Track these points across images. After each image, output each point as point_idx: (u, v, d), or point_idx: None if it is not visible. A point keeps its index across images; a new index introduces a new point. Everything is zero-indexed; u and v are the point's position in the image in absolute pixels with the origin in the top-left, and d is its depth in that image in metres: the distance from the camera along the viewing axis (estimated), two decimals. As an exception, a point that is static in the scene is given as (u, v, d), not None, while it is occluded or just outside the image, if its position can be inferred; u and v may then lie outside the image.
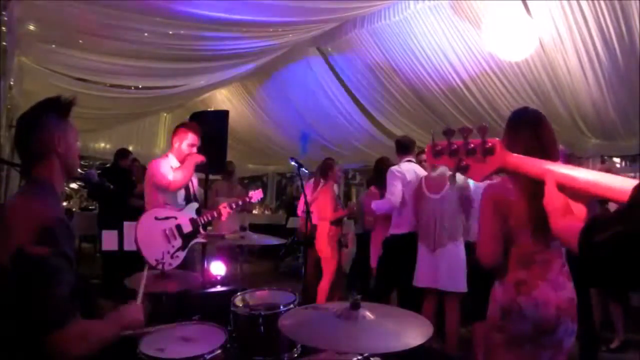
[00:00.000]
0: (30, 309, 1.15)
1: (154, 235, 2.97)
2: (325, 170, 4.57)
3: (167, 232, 3.01)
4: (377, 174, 4.31)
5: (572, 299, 1.68)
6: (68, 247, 1.23)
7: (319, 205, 4.42)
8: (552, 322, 1.63)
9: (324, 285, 4.31)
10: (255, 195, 3.59)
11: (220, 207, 3.30)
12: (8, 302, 1.16)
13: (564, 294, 1.66)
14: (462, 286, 3.28)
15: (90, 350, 1.21)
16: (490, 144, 1.05)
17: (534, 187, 1.63)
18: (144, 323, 1.48)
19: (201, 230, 3.15)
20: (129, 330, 1.41)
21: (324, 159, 4.76)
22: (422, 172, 3.76)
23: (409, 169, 3.77)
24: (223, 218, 3.30)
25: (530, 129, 1.71)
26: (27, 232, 1.17)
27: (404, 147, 3.93)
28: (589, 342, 3.31)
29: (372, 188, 4.48)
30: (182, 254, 3.05)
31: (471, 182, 3.51)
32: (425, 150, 1.16)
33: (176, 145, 3.13)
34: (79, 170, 1.52)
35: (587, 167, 5.02)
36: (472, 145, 1.06)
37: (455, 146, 1.08)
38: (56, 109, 1.39)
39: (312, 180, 4.78)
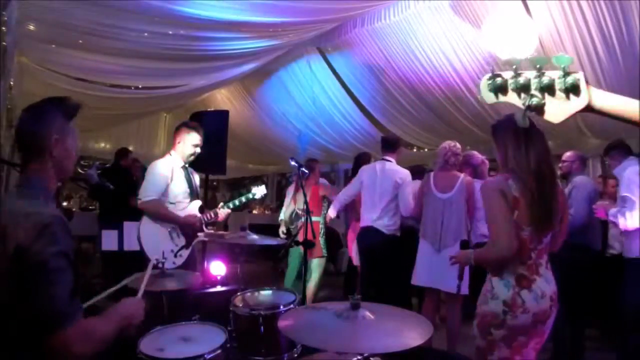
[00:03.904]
0: (33, 310, 1.14)
1: (157, 234, 2.97)
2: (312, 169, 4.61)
3: (170, 231, 3.01)
4: (356, 168, 4.46)
5: (556, 291, 1.82)
6: (67, 246, 1.22)
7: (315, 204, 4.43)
8: (547, 313, 1.76)
9: (312, 287, 4.34)
10: (259, 191, 3.58)
11: (218, 208, 3.28)
12: (8, 302, 1.15)
13: (553, 287, 1.81)
14: (464, 288, 3.25)
15: (94, 349, 1.20)
16: (572, 78, 0.79)
17: (538, 185, 1.72)
18: (143, 317, 1.44)
19: (204, 229, 3.15)
20: (128, 325, 1.37)
21: (308, 160, 4.77)
22: (386, 171, 3.89)
23: (370, 168, 4.03)
24: (220, 219, 3.29)
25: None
26: (25, 231, 1.15)
27: (384, 145, 4.11)
28: (578, 330, 3.45)
29: None
30: (186, 253, 3.06)
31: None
32: (480, 84, 0.89)
33: (180, 144, 3.12)
34: (79, 170, 1.49)
35: (587, 167, 5.03)
36: (549, 79, 0.80)
37: (524, 79, 0.82)
38: (61, 109, 1.37)
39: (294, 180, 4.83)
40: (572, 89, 0.79)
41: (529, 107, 0.83)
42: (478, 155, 3.93)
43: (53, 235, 1.18)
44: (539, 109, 0.81)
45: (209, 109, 6.98)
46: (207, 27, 4.42)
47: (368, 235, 3.92)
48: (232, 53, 5.30)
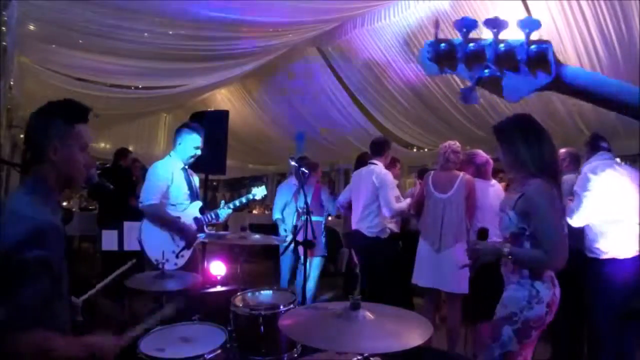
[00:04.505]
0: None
1: (159, 235, 2.97)
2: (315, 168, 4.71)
3: (172, 232, 3.01)
4: (357, 168, 4.47)
5: None
6: (55, 254, 1.21)
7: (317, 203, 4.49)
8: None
9: (311, 286, 4.35)
10: (259, 192, 3.58)
11: (218, 209, 3.28)
12: None
13: None
14: (464, 287, 3.25)
15: None
16: (538, 47, 0.61)
17: (556, 185, 1.74)
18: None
19: (205, 229, 3.15)
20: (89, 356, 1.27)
21: (303, 159, 4.81)
22: (368, 173, 3.93)
23: (357, 172, 4.16)
24: (220, 220, 3.30)
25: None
26: (17, 233, 1.15)
27: (371, 149, 4.18)
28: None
29: None
30: (187, 253, 3.06)
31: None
32: (418, 55, 0.70)
33: (180, 145, 3.11)
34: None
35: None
36: (508, 46, 0.61)
37: (477, 45, 0.63)
38: (63, 113, 1.33)
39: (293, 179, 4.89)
40: (538, 61, 0.60)
41: (479, 81, 0.63)
42: (482, 155, 3.78)
43: (43, 242, 1.17)
44: (494, 84, 0.62)
45: (209, 109, 6.97)
46: (207, 27, 4.42)
47: (354, 238, 4.09)
48: (232, 53, 5.30)
